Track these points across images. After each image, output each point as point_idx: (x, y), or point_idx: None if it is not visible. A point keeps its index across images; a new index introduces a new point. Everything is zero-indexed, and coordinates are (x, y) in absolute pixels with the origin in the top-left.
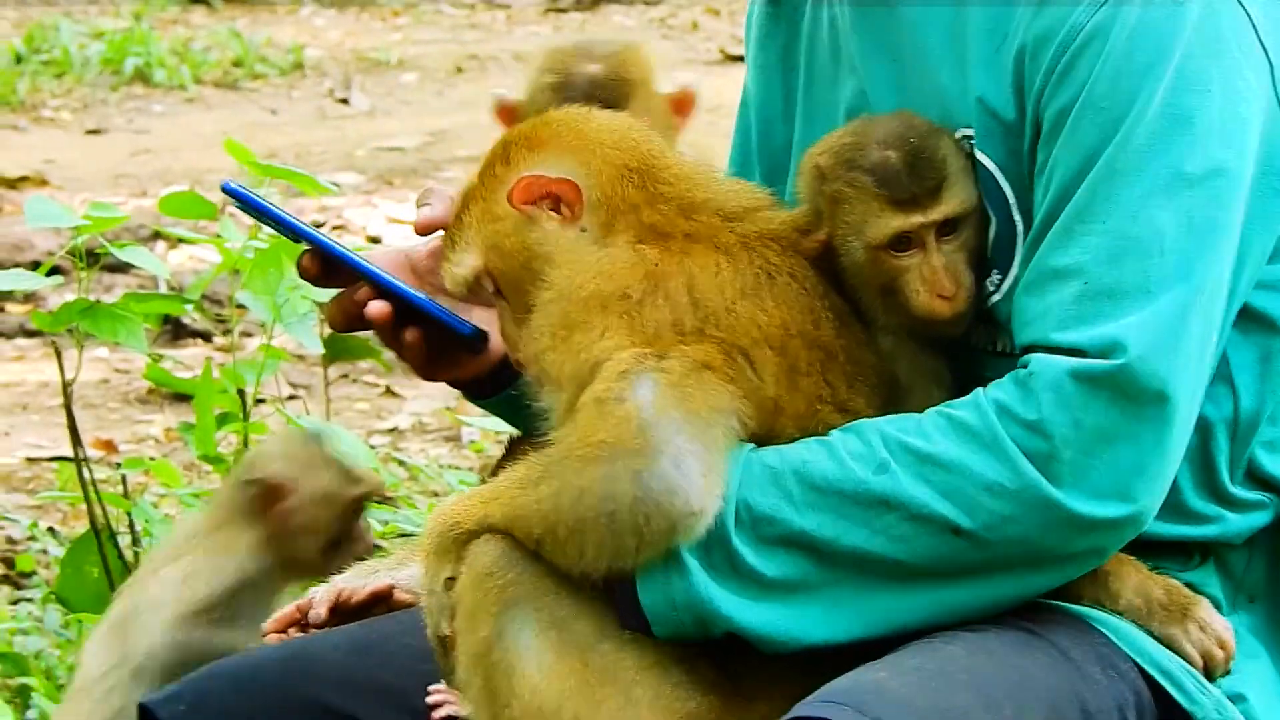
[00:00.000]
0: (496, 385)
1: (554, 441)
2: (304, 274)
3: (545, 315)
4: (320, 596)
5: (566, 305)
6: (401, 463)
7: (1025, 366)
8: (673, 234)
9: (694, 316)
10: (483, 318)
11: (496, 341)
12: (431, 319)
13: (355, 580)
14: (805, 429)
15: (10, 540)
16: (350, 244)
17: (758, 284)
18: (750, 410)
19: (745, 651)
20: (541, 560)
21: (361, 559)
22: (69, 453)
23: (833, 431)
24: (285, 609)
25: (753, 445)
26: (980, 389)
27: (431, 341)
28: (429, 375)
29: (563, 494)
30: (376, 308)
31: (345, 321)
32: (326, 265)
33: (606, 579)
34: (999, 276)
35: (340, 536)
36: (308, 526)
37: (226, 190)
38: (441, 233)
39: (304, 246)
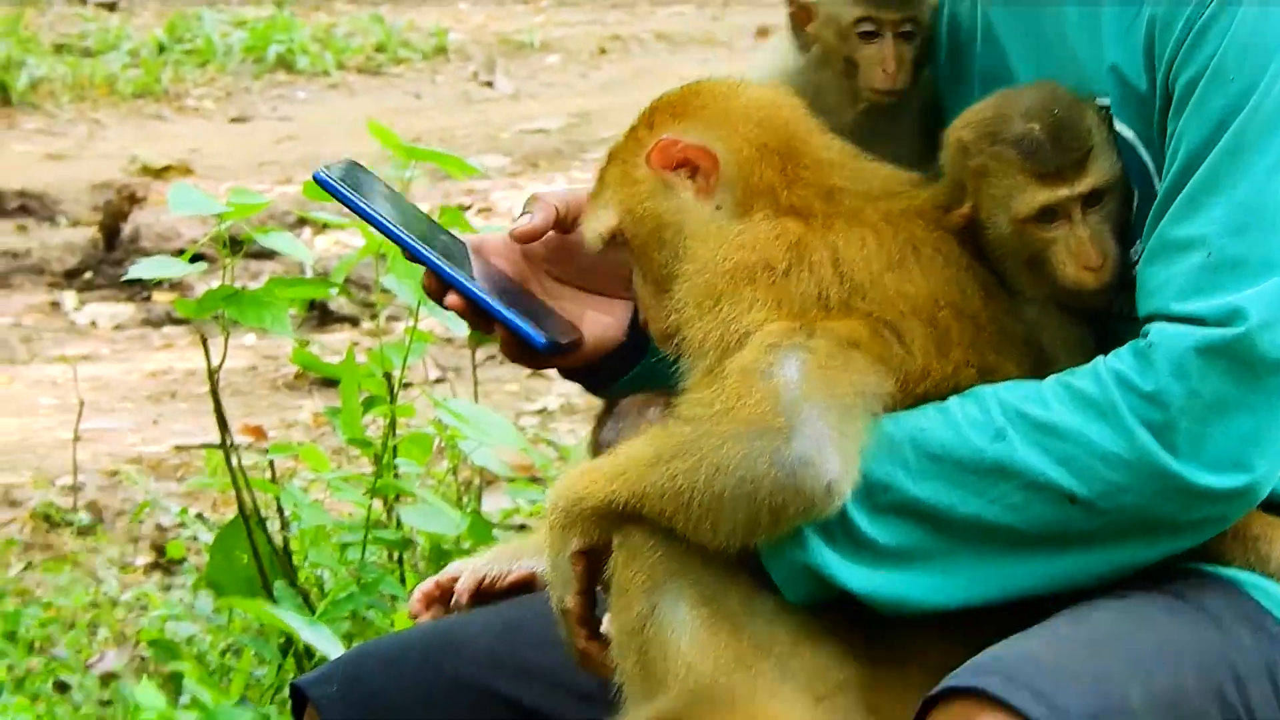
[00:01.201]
0: (610, 375)
1: (688, 413)
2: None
3: (689, 287)
4: (464, 584)
5: (711, 277)
6: (551, 443)
7: (1145, 336)
8: (813, 214)
9: (840, 289)
10: (578, 314)
11: (598, 335)
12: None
13: (499, 566)
14: None
15: (160, 527)
16: (498, 227)
17: (903, 257)
18: (894, 388)
19: (897, 619)
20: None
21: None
22: (217, 440)
23: (951, 398)
24: (425, 585)
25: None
26: (1100, 358)
27: (514, 338)
28: (528, 365)
29: (698, 470)
30: (451, 301)
31: (436, 301)
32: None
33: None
34: (1142, 245)
35: None
36: None
37: (317, 180)
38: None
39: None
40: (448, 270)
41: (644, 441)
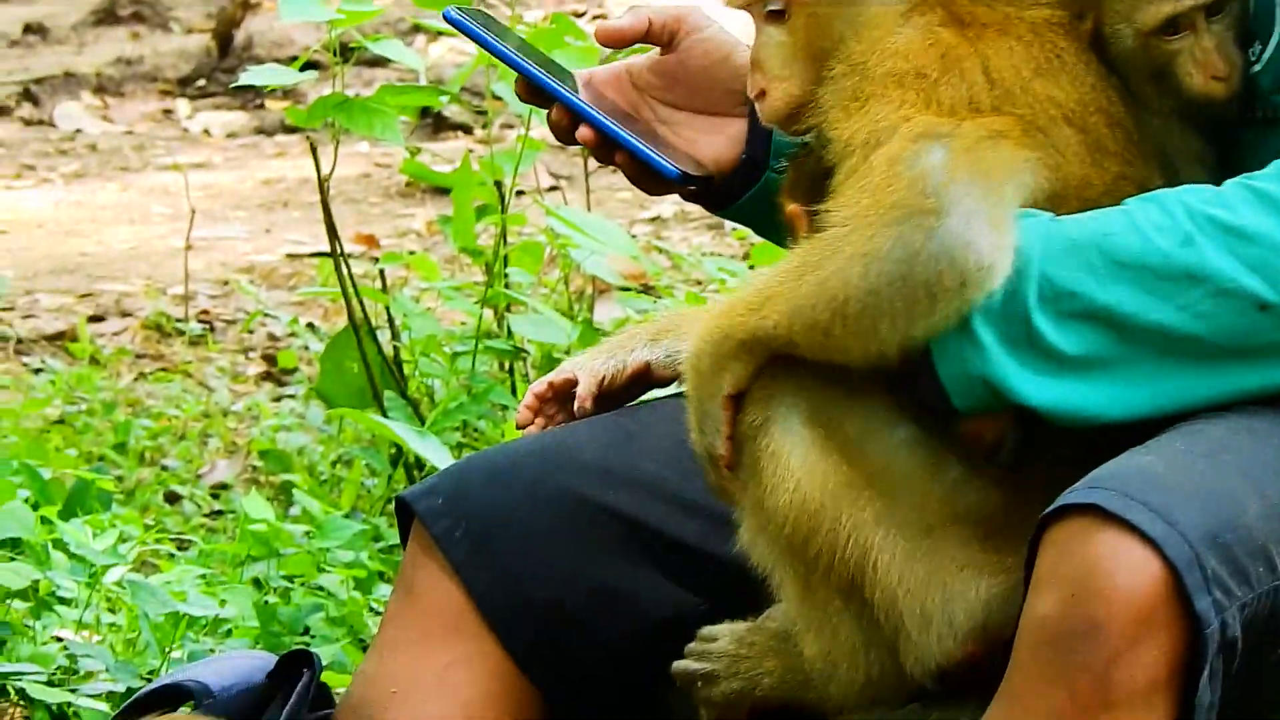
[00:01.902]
0: (730, 195)
1: (835, 216)
2: (521, 98)
3: (837, 88)
4: (584, 389)
5: (860, 80)
6: (664, 251)
7: None
8: (970, 22)
9: (990, 95)
10: (693, 138)
11: (715, 157)
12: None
13: (611, 362)
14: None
15: (272, 337)
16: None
17: (1051, 65)
18: (1050, 187)
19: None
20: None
21: None
22: (329, 248)
23: (1128, 201)
24: (538, 386)
25: (1052, 215)
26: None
27: (640, 166)
28: (648, 191)
29: (852, 265)
30: (582, 134)
31: (562, 138)
32: (540, 90)
33: (903, 363)
34: (1259, 47)
35: None
36: None
37: (447, 18)
38: (656, 50)
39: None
40: (579, 103)
41: (787, 259)
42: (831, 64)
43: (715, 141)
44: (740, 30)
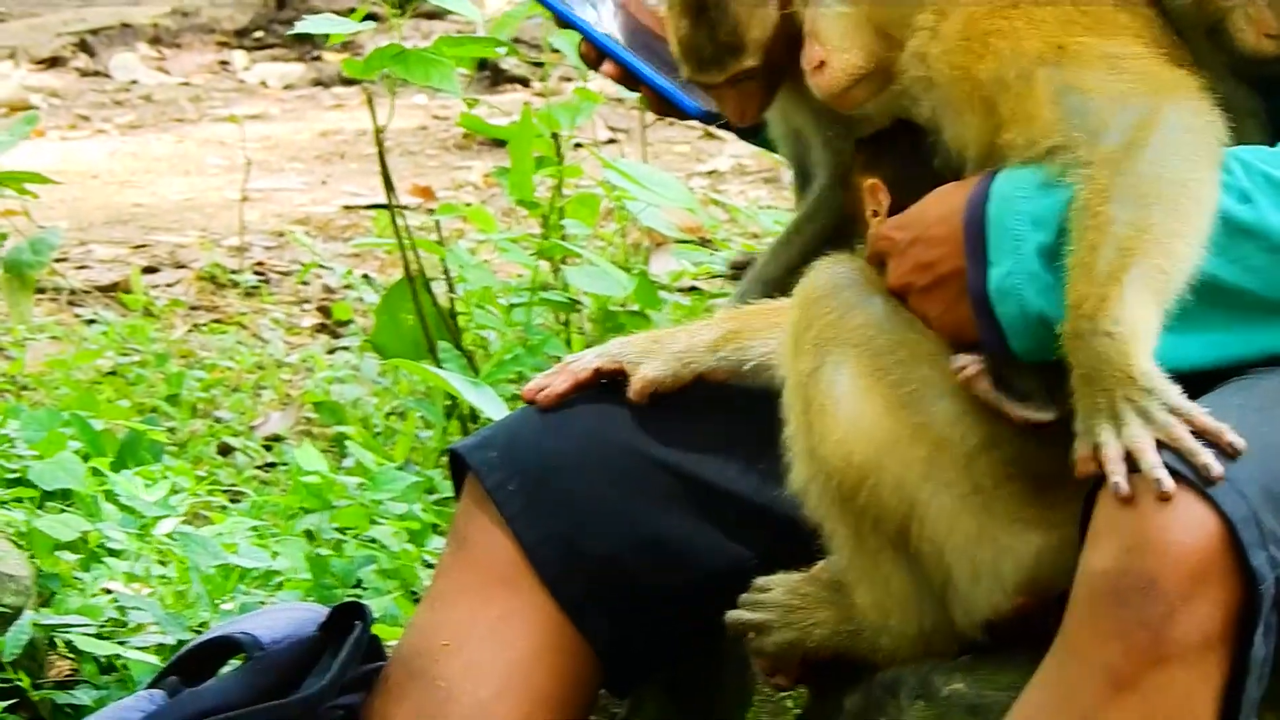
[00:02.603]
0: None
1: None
2: (557, 25)
3: (935, 42)
4: (636, 395)
5: (965, 24)
6: (721, 204)
7: None
8: None
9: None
10: None
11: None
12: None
13: (667, 370)
14: None
15: (327, 289)
16: None
17: (1123, 11)
18: None
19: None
20: (877, 302)
21: None
22: (385, 200)
23: None
24: (566, 380)
25: None
26: None
27: (663, 99)
28: (677, 118)
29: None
30: (606, 69)
31: (592, 68)
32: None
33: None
34: None
35: None
36: None
37: None
38: None
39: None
40: (600, 36)
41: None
42: (908, 27)
43: None
44: None
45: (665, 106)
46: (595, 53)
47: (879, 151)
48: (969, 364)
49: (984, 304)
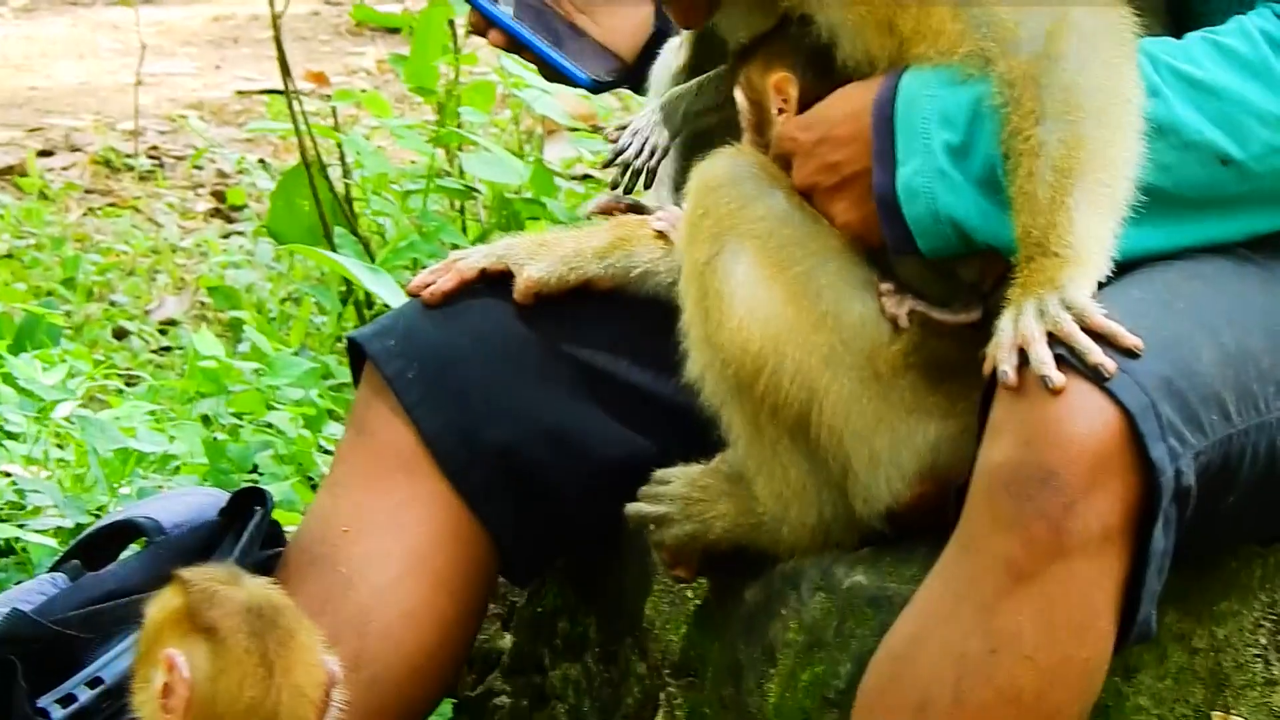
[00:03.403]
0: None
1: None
2: None
3: None
4: (521, 295)
5: None
6: (614, 92)
7: None
8: None
9: None
10: (611, 24)
11: (634, 36)
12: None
13: (554, 272)
14: None
15: (221, 174)
16: None
17: None
18: None
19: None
20: (778, 195)
21: None
22: (279, 85)
23: None
24: (452, 278)
25: None
26: (1241, 16)
27: (553, 69)
28: (563, 84)
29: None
30: (492, 37)
31: (481, 36)
32: None
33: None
34: None
35: None
36: None
37: None
38: None
39: None
40: (488, 7)
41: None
42: None
43: (628, 27)
44: None
45: (555, 75)
46: (484, 21)
47: (782, 48)
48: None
49: (891, 204)
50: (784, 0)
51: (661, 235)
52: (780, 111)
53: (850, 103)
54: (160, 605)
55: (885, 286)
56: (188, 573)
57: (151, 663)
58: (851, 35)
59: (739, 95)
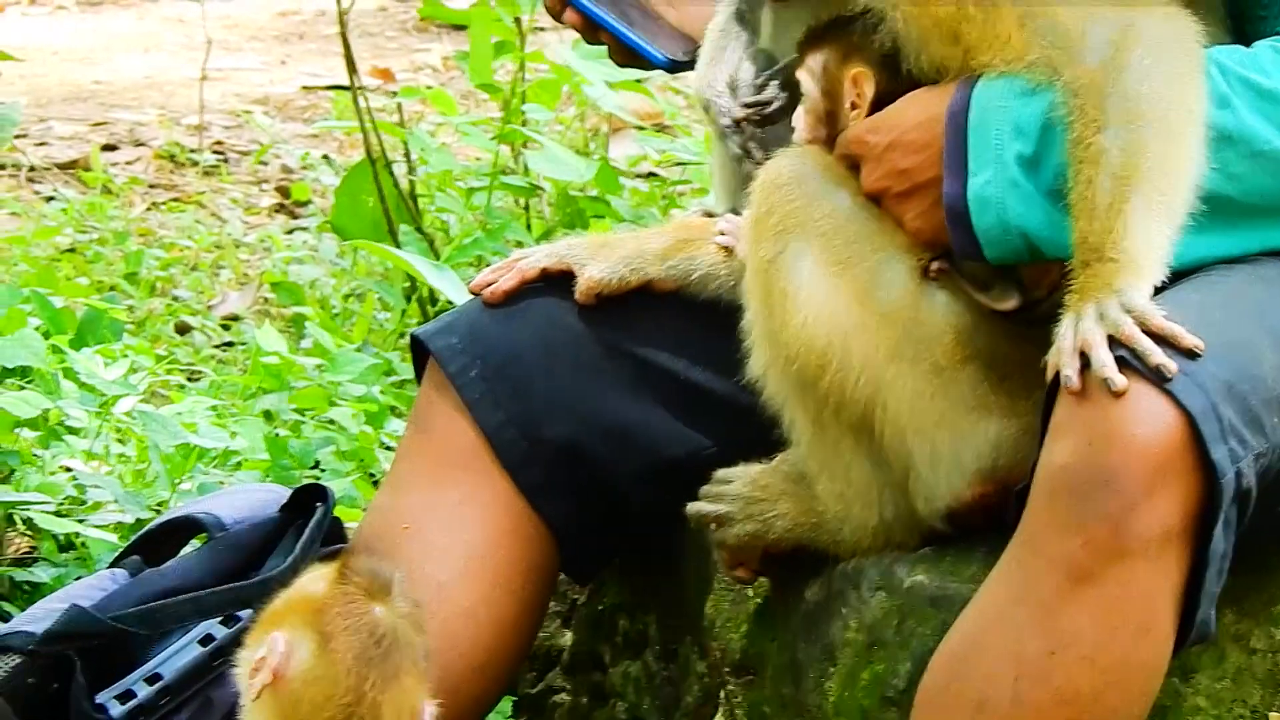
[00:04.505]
0: None
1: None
2: None
3: None
4: (582, 296)
5: None
6: (679, 91)
7: None
8: None
9: None
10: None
11: (704, 23)
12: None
13: (615, 274)
14: None
15: (286, 169)
16: None
17: None
18: None
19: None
20: (842, 195)
21: None
22: (345, 81)
23: None
24: (513, 277)
25: None
26: None
27: (628, 50)
28: (638, 69)
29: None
30: (567, 17)
31: (555, 18)
32: None
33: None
34: None
35: None
36: None
37: None
38: None
39: None
40: None
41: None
42: None
43: (702, 13)
44: None
45: (630, 57)
46: (559, 3)
47: (859, 40)
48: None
49: (961, 214)
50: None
51: (725, 248)
52: (853, 107)
53: (922, 109)
54: (311, 580)
55: (935, 265)
56: (356, 561)
57: (267, 631)
58: (917, 42)
59: (806, 80)
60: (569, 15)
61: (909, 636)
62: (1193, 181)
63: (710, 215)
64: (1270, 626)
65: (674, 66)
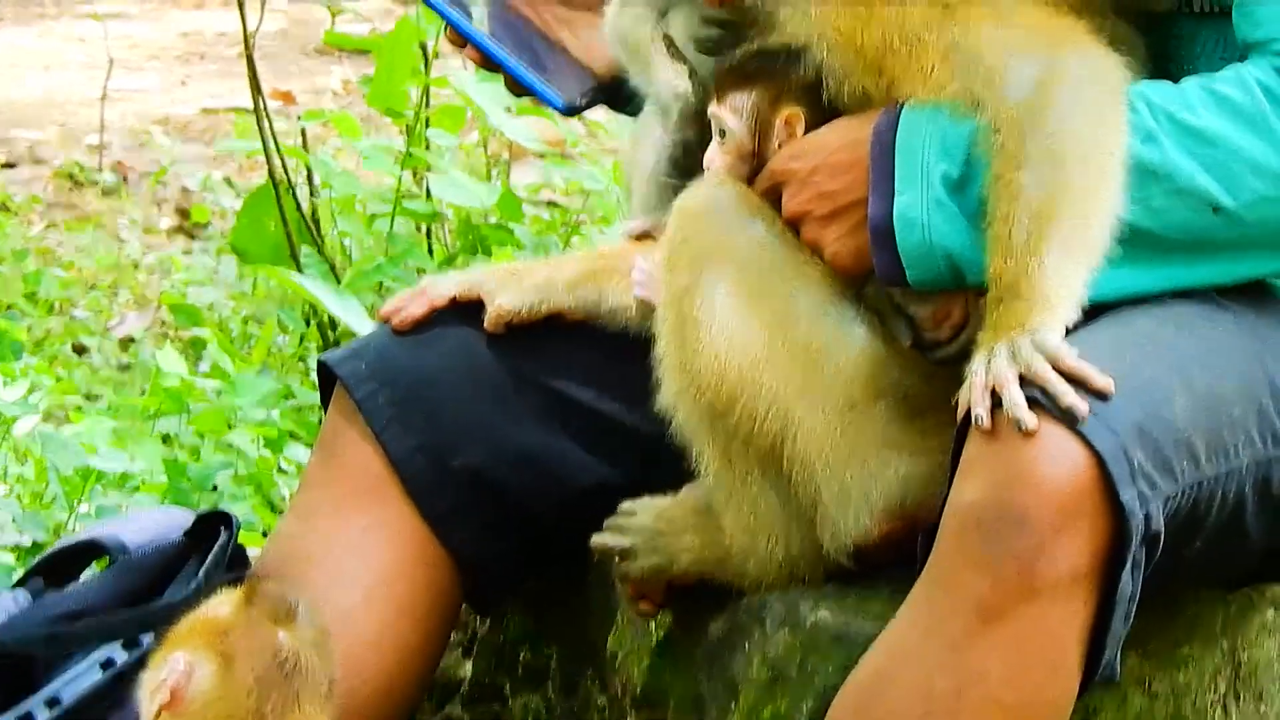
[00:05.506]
0: (626, 93)
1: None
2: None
3: None
4: (491, 325)
5: None
6: (581, 117)
7: None
8: None
9: None
10: (590, 39)
11: (611, 60)
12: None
13: (525, 302)
14: None
15: (185, 190)
16: None
17: None
18: None
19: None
20: (759, 225)
21: None
22: (247, 103)
23: None
24: (421, 303)
25: None
26: (1240, 66)
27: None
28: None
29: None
30: (468, 53)
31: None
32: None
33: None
34: None
35: None
36: None
37: None
38: None
39: None
40: (463, 24)
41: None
42: None
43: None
44: None
45: (529, 94)
46: (460, 37)
47: (788, 80)
48: None
49: (885, 234)
50: (786, 29)
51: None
52: (779, 146)
53: (848, 131)
54: (216, 603)
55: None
56: (263, 586)
57: (170, 652)
58: (841, 73)
59: (730, 118)
60: (470, 51)
61: (812, 673)
62: (1111, 221)
63: (641, 236)
64: (1174, 670)
65: (570, 110)
